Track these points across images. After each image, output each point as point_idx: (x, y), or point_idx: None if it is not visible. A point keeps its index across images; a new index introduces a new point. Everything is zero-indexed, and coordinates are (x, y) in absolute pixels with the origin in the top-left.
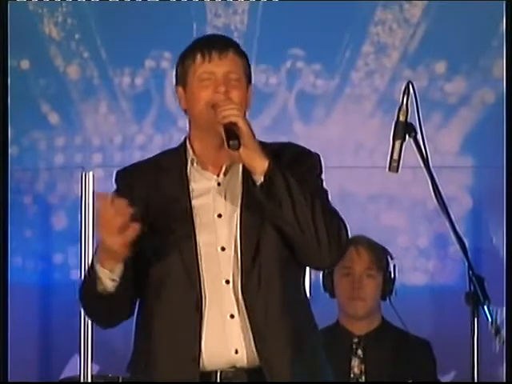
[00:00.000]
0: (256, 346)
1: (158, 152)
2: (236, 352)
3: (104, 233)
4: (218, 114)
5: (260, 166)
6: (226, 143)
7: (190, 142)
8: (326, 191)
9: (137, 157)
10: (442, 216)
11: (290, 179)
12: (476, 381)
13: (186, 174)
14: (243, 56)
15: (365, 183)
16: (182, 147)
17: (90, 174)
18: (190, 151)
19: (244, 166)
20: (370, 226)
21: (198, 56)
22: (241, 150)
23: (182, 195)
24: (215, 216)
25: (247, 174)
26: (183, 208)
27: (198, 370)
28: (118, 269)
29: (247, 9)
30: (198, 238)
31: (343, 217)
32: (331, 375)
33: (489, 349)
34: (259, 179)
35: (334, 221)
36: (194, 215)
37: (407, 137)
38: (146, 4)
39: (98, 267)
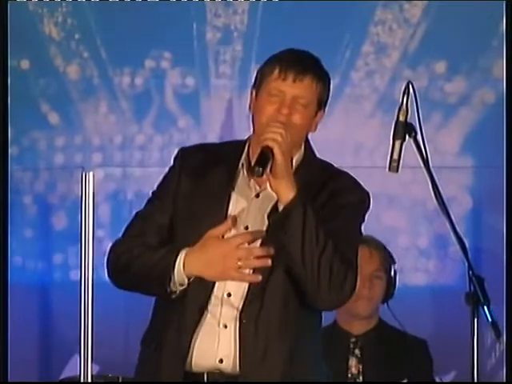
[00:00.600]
0: (239, 364)
1: (157, 152)
2: (221, 361)
3: (229, 264)
4: (263, 133)
5: (284, 196)
6: (252, 167)
7: (249, 144)
8: (357, 235)
9: (137, 157)
10: (441, 216)
11: (310, 216)
12: (476, 381)
13: (235, 173)
14: (322, 81)
15: (365, 183)
16: (242, 146)
17: (90, 174)
18: (245, 153)
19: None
20: (370, 225)
21: (277, 70)
22: (271, 176)
23: (223, 193)
24: (242, 227)
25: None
26: (220, 210)
27: (183, 369)
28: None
29: (247, 9)
30: None
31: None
32: None
33: (489, 349)
34: (280, 207)
35: (342, 269)
36: (227, 221)
37: (407, 137)
38: (145, 4)
39: (178, 274)
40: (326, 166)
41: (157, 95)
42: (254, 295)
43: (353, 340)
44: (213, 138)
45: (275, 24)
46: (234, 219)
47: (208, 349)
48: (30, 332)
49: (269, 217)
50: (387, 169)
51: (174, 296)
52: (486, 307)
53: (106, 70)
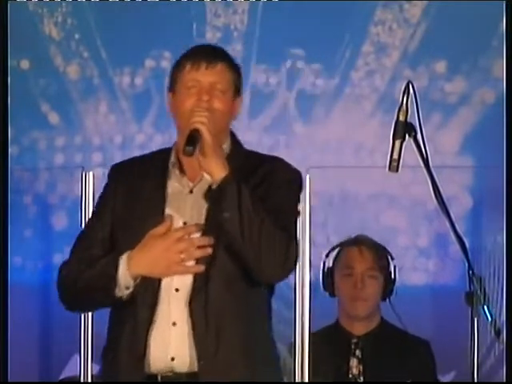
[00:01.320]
0: (196, 355)
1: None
2: (172, 359)
3: (171, 259)
4: (189, 120)
5: (217, 174)
6: (182, 149)
7: (176, 146)
8: (294, 212)
9: None
10: (441, 216)
11: (245, 193)
12: (476, 381)
13: (166, 176)
14: (234, 69)
15: (365, 183)
16: (170, 150)
17: (90, 173)
18: (173, 154)
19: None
20: (370, 225)
21: (188, 64)
22: (200, 157)
23: (157, 197)
24: (181, 223)
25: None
26: (156, 211)
27: (142, 370)
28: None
29: (247, 9)
30: None
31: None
32: None
33: (489, 348)
34: (214, 187)
35: (283, 243)
36: (165, 220)
37: (407, 136)
38: (145, 4)
39: (124, 277)
40: (255, 154)
41: (157, 95)
42: (199, 287)
43: (354, 341)
44: None
45: (275, 24)
46: (171, 218)
47: (161, 349)
48: (30, 332)
49: (206, 198)
50: (387, 169)
51: (122, 299)
52: (485, 307)
53: (106, 70)
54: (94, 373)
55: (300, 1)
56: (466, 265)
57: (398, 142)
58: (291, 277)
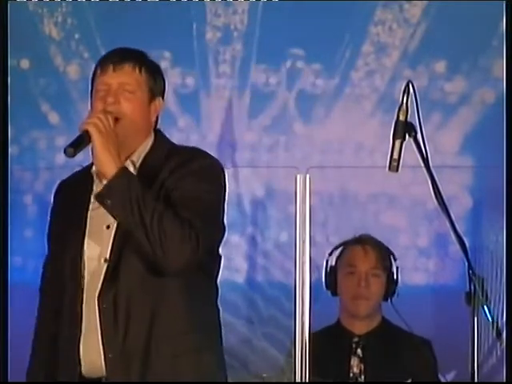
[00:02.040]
0: (104, 356)
1: None
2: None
3: None
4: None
5: (107, 173)
6: (64, 150)
7: None
8: (201, 199)
9: None
10: (442, 216)
11: (135, 185)
12: (476, 381)
13: (92, 183)
14: (145, 67)
15: (365, 183)
16: None
17: None
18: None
19: None
20: (371, 225)
21: (98, 69)
22: (93, 157)
23: (80, 205)
24: (104, 227)
25: None
26: (79, 217)
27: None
28: None
29: (247, 9)
30: (85, 248)
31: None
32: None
33: (489, 348)
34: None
35: (176, 231)
36: (86, 225)
37: (407, 136)
38: (146, 4)
39: None
40: (175, 147)
41: None
42: (107, 290)
43: (355, 340)
44: (213, 137)
45: (275, 24)
46: None
47: (88, 355)
48: (30, 332)
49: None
50: (387, 168)
51: None
52: (485, 307)
53: None
54: None
55: (300, 1)
56: (466, 265)
57: (397, 142)
58: (291, 277)
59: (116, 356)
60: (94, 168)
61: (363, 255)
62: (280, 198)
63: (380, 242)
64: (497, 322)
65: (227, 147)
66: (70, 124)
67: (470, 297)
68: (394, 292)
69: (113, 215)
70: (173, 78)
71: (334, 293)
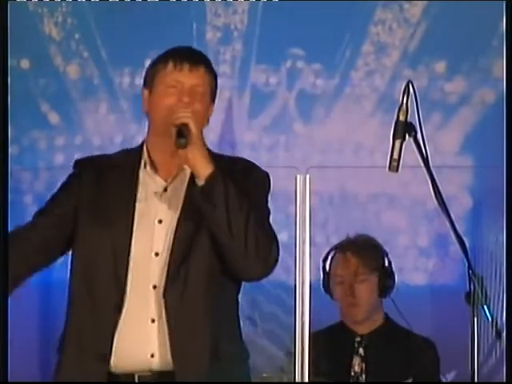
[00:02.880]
0: (172, 352)
1: None
2: (152, 356)
3: None
4: (172, 117)
5: (203, 170)
6: (174, 142)
7: (146, 145)
8: (267, 210)
9: None
10: (442, 216)
11: (231, 189)
12: (476, 381)
13: (137, 175)
14: (213, 74)
15: (365, 183)
16: (139, 149)
17: None
18: (145, 154)
19: (191, 175)
20: (370, 225)
21: (170, 63)
22: (188, 151)
23: (127, 196)
24: (156, 221)
25: (193, 182)
26: (126, 209)
27: (106, 368)
28: None
29: (247, 9)
30: (133, 241)
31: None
32: None
33: (489, 348)
34: (200, 183)
35: (267, 238)
36: (135, 218)
37: (407, 136)
38: (146, 4)
39: None
40: (223, 156)
41: None
42: (175, 282)
43: (357, 339)
44: (213, 137)
45: (275, 24)
46: None
47: (137, 346)
48: (30, 332)
49: (192, 202)
50: (387, 168)
51: None
52: (485, 307)
53: (106, 70)
54: None
55: (300, 1)
56: (466, 265)
57: (397, 142)
58: (291, 277)
59: (183, 353)
60: (144, 158)
61: (344, 264)
62: (280, 198)
63: (364, 244)
64: (496, 322)
65: (227, 147)
66: (70, 124)
67: (469, 297)
68: (391, 287)
69: (205, 213)
70: None
71: (332, 297)
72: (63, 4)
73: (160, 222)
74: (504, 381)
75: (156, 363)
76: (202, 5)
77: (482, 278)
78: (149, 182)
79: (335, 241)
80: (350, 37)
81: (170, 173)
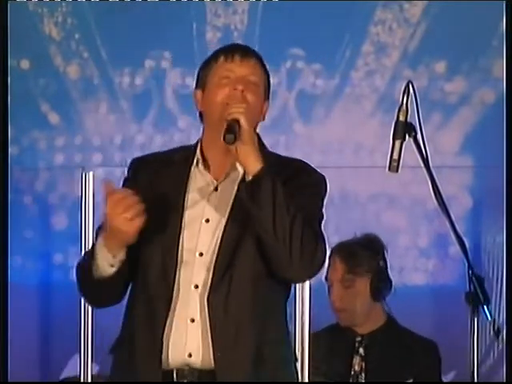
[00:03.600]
0: (213, 353)
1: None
2: (190, 356)
3: (113, 214)
4: (225, 113)
5: (252, 166)
6: (222, 137)
7: (201, 142)
8: (320, 213)
9: None
10: (442, 216)
11: (279, 188)
12: (476, 381)
13: (189, 173)
14: (264, 69)
15: (365, 183)
16: (195, 145)
17: (90, 174)
18: (198, 151)
19: (243, 175)
20: (370, 225)
21: (222, 57)
22: (238, 147)
23: (177, 194)
24: (203, 221)
25: (243, 181)
26: (176, 207)
27: (160, 367)
28: (122, 253)
29: (247, 9)
30: (180, 240)
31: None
32: None
33: (488, 348)
34: (248, 179)
35: (312, 240)
36: (183, 216)
37: (407, 136)
38: (145, 4)
39: (101, 252)
40: (277, 156)
41: (157, 95)
42: (219, 283)
43: (358, 339)
44: None
45: (275, 24)
46: (108, 182)
47: (177, 344)
48: (30, 332)
49: (241, 203)
50: (387, 169)
51: (111, 278)
52: (485, 307)
53: (106, 70)
54: (93, 373)
55: (300, 1)
56: (466, 265)
57: (398, 142)
58: None
59: (225, 354)
60: (197, 156)
61: (332, 268)
62: None
63: (353, 247)
64: (496, 322)
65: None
66: (70, 124)
67: (469, 297)
68: (385, 289)
69: (250, 210)
70: (173, 78)
71: None
72: (63, 4)
73: (207, 221)
74: (503, 381)
75: (193, 363)
76: (201, 5)
77: (482, 278)
78: (200, 180)
79: (335, 241)
80: (350, 37)
81: (223, 171)
